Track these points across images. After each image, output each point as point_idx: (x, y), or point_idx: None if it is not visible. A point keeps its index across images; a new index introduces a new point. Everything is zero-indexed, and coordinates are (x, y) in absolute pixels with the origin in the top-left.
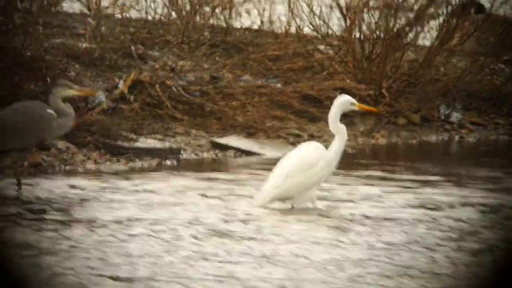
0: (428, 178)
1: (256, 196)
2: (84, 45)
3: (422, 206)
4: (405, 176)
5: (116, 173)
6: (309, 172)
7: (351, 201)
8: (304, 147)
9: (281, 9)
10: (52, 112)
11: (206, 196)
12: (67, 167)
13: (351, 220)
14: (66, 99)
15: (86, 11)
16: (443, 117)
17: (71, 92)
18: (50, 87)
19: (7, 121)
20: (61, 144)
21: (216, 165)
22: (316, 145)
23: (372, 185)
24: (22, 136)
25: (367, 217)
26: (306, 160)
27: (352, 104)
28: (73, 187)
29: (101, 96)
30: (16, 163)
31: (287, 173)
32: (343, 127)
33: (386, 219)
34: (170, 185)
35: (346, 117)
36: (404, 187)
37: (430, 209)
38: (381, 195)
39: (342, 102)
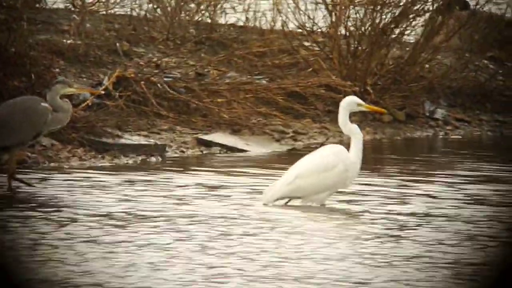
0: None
1: (265, 192)
2: (69, 41)
3: None
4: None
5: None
6: (324, 175)
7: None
8: (326, 149)
9: (266, 6)
10: (47, 106)
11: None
12: (52, 164)
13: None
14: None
15: (70, 7)
16: (428, 114)
17: (70, 90)
18: (49, 84)
19: (2, 118)
20: (46, 141)
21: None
22: (339, 148)
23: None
24: (17, 131)
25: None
26: (322, 162)
27: (359, 104)
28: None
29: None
30: (11, 159)
31: (299, 172)
32: (355, 127)
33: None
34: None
35: (332, 114)
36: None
37: None
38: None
39: (348, 103)
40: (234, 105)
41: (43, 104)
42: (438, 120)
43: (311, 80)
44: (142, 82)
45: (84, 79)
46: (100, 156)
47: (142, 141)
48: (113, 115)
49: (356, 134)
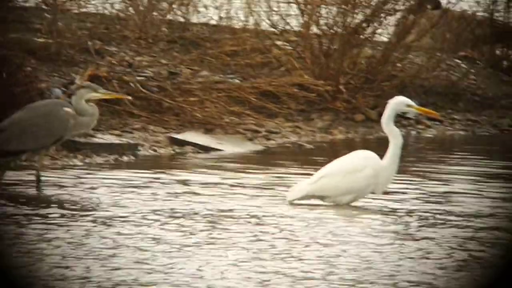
0: None
1: (290, 190)
2: (41, 40)
3: None
4: None
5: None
6: (349, 177)
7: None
8: (357, 153)
9: (238, 5)
10: (70, 110)
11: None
12: (24, 163)
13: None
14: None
15: (42, 5)
16: (400, 113)
17: (96, 95)
18: (74, 89)
19: (22, 122)
20: None
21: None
22: (368, 153)
23: None
24: (37, 136)
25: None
26: (349, 164)
27: (408, 106)
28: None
29: (57, 91)
30: (39, 161)
31: (327, 172)
32: (397, 131)
33: None
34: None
35: (303, 113)
36: None
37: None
38: None
39: (397, 102)
40: (207, 104)
41: (65, 108)
42: (410, 119)
43: (284, 79)
44: (115, 81)
45: (56, 78)
46: (71, 155)
47: (115, 140)
48: None
49: (396, 138)
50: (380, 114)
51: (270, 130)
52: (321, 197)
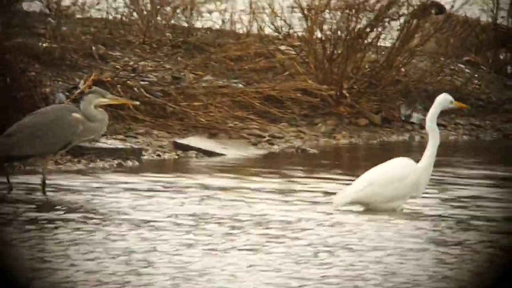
0: None
1: (335, 197)
2: (45, 44)
3: None
4: None
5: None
6: (395, 185)
7: None
8: (397, 161)
9: (242, 9)
10: (78, 116)
11: None
12: (27, 167)
13: None
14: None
15: (46, 11)
16: (404, 118)
17: (104, 101)
18: (83, 94)
19: (31, 127)
20: None
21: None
22: (408, 160)
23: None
24: (46, 140)
25: None
26: (394, 173)
27: (451, 102)
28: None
29: (61, 96)
30: (44, 166)
31: (372, 180)
32: (437, 130)
33: None
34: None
35: (306, 117)
36: None
37: None
38: None
39: (444, 99)
40: (210, 109)
41: (74, 114)
42: (414, 124)
43: (287, 84)
44: (119, 86)
45: (60, 82)
46: (76, 160)
47: (119, 145)
48: None
49: (436, 137)
50: (384, 119)
51: (274, 134)
52: (366, 204)
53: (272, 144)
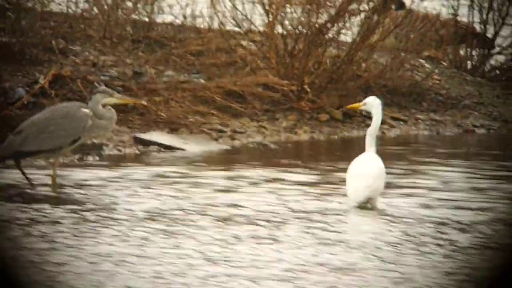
0: None
1: (349, 194)
2: (4, 39)
3: None
4: None
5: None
6: (385, 178)
7: None
8: (369, 154)
9: (203, 4)
10: (88, 112)
11: None
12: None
13: None
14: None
15: (5, 4)
16: (364, 113)
17: (111, 100)
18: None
19: (39, 123)
20: None
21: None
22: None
23: None
24: (55, 136)
25: None
26: (382, 165)
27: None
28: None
29: (21, 90)
30: (56, 162)
31: (379, 174)
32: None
33: None
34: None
35: (268, 112)
36: None
37: None
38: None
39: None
40: (171, 104)
41: (83, 110)
42: None
43: (249, 79)
44: (79, 81)
45: (20, 77)
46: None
47: None
48: None
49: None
50: (345, 114)
51: (235, 129)
52: (371, 199)
53: (234, 139)
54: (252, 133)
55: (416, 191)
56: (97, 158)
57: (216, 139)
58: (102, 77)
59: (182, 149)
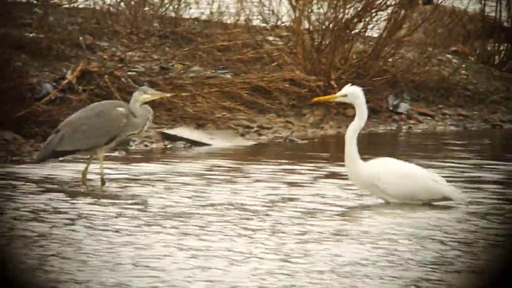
0: None
1: (453, 192)
2: (31, 35)
3: None
4: None
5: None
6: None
7: None
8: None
9: (230, 0)
10: (123, 111)
11: None
12: (14, 158)
13: None
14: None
15: (33, 0)
16: (391, 108)
17: (145, 97)
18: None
19: (74, 123)
20: (8, 135)
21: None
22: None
23: None
24: (89, 135)
25: None
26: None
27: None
28: None
29: (48, 86)
30: (100, 160)
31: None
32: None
33: None
34: None
35: (294, 108)
36: None
37: None
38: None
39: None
40: (198, 99)
41: (118, 108)
42: (401, 114)
43: (275, 74)
44: (106, 76)
45: (47, 73)
46: None
47: None
48: (76, 110)
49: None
50: (371, 109)
51: (262, 125)
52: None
53: (260, 134)
54: (279, 129)
55: None
56: (124, 153)
57: (242, 135)
58: (129, 73)
59: (209, 145)
